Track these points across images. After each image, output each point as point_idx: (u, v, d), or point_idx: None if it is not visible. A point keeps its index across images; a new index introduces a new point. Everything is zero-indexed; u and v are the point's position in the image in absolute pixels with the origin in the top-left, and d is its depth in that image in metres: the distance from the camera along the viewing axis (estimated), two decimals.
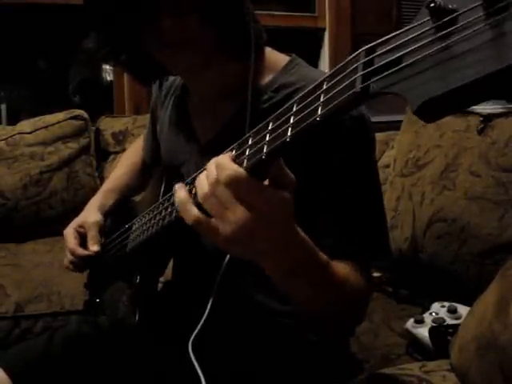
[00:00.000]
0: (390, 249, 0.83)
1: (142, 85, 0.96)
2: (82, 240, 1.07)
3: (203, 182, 0.58)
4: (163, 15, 0.75)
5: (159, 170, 1.08)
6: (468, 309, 0.94)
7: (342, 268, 0.73)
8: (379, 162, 1.75)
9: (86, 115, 2.20)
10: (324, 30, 2.88)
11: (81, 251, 1.05)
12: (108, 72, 2.95)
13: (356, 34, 2.82)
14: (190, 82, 0.93)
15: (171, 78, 1.05)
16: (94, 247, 1.04)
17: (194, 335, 0.76)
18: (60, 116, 2.17)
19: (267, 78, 0.86)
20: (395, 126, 1.81)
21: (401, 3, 2.90)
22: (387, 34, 0.42)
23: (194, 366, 0.73)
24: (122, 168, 1.24)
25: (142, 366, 0.92)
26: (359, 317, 0.82)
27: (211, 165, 0.57)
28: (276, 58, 0.88)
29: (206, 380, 0.72)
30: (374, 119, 0.82)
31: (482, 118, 1.39)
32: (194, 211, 0.59)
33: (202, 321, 0.76)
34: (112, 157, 2.26)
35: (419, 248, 1.44)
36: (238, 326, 0.90)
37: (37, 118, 2.19)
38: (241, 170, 0.54)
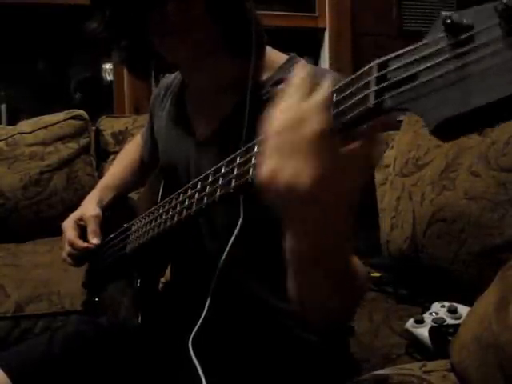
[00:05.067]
0: (379, 245, 0.80)
1: (136, 77, 0.95)
2: (82, 233, 1.07)
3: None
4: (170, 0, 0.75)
5: (158, 169, 1.07)
6: (468, 309, 0.94)
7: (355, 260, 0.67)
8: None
9: (85, 115, 2.20)
10: (324, 30, 2.87)
11: (81, 243, 1.05)
12: (108, 72, 2.95)
13: (356, 34, 2.81)
14: (188, 76, 0.93)
15: (170, 77, 1.05)
16: (94, 240, 1.04)
17: (193, 334, 0.76)
18: (60, 116, 2.18)
19: (266, 75, 0.86)
20: (395, 125, 1.81)
21: (401, 3, 2.90)
22: (387, 34, 0.42)
23: (194, 364, 0.73)
24: (119, 164, 1.24)
25: (142, 365, 0.92)
26: (353, 312, 0.77)
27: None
28: (276, 56, 0.89)
29: (206, 379, 0.72)
30: None
31: None
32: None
33: (201, 319, 0.76)
34: (112, 157, 2.26)
35: (419, 248, 1.44)
36: (238, 324, 0.90)
37: (37, 118, 2.19)
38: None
